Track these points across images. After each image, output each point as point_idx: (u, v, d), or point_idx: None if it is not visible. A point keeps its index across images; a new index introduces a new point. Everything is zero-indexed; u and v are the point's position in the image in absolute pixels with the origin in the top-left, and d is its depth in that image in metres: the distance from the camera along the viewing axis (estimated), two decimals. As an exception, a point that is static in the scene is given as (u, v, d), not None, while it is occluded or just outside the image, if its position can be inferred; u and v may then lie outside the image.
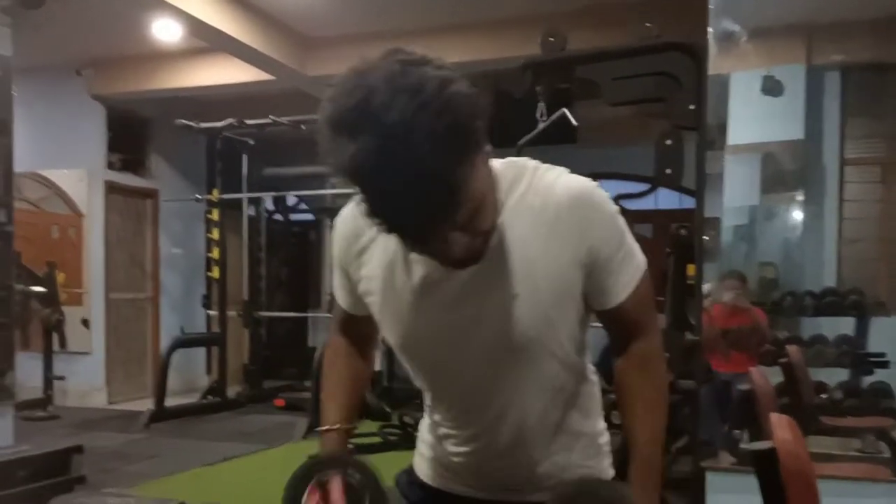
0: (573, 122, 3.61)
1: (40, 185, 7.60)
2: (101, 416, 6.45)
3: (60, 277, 7.36)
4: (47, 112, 7.43)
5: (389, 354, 7.19)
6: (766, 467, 1.45)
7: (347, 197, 1.10)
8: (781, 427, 1.62)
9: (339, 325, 1.31)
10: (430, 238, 0.95)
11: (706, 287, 3.65)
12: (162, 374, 6.28)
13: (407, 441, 4.74)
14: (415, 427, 1.44)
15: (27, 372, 6.55)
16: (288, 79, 6.62)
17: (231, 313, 7.36)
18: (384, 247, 1.12)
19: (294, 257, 9.48)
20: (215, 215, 7.26)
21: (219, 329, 7.18)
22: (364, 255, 1.15)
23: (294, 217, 9.62)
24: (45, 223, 7.64)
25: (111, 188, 7.58)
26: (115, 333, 7.45)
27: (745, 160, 4.53)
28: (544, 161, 1.14)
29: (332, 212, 7.34)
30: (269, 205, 8.94)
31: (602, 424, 1.27)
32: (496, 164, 1.07)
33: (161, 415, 6.04)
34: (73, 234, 7.59)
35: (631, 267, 1.13)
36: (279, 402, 6.83)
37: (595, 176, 1.16)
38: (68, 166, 7.44)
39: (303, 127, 6.92)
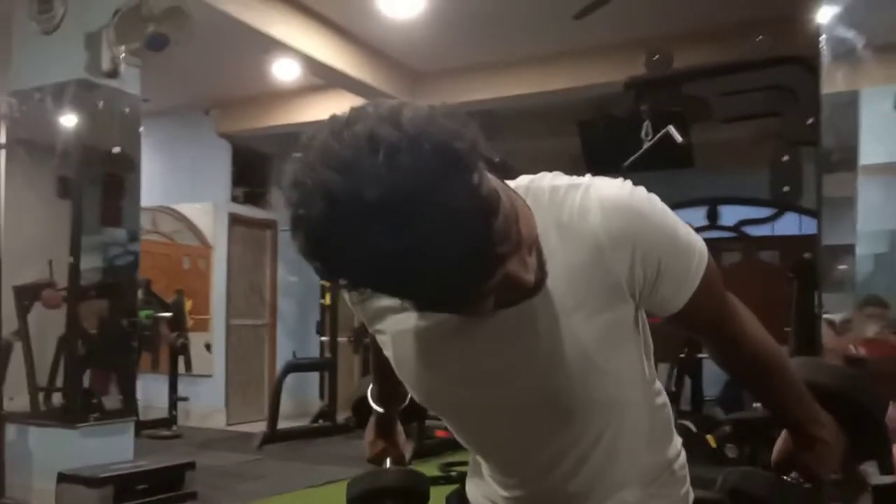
0: (678, 138, 3.47)
1: (174, 218, 8.14)
2: (219, 437, 6.73)
3: (188, 305, 7.83)
4: (179, 150, 8.00)
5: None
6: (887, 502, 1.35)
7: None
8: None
9: None
10: (477, 296, 0.77)
11: (839, 316, 3.37)
12: (275, 398, 6.49)
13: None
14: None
15: (155, 392, 6.97)
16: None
17: (342, 339, 7.54)
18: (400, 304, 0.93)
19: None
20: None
21: (329, 354, 7.35)
22: (379, 303, 0.98)
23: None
24: (177, 254, 8.16)
25: (234, 220, 8.01)
26: (235, 357, 7.80)
27: (882, 182, 4.21)
28: (659, 190, 0.95)
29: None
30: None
31: (676, 448, 1.13)
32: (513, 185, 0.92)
33: (273, 437, 6.23)
34: (203, 265, 8.06)
35: (692, 260, 0.94)
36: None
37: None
38: (197, 200, 7.95)
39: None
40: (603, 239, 0.88)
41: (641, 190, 0.94)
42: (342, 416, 7.55)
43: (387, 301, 0.95)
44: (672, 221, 0.93)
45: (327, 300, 7.47)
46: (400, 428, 1.39)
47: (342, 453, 6.25)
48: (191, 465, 3.98)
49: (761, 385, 1.12)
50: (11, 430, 3.95)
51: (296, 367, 7.14)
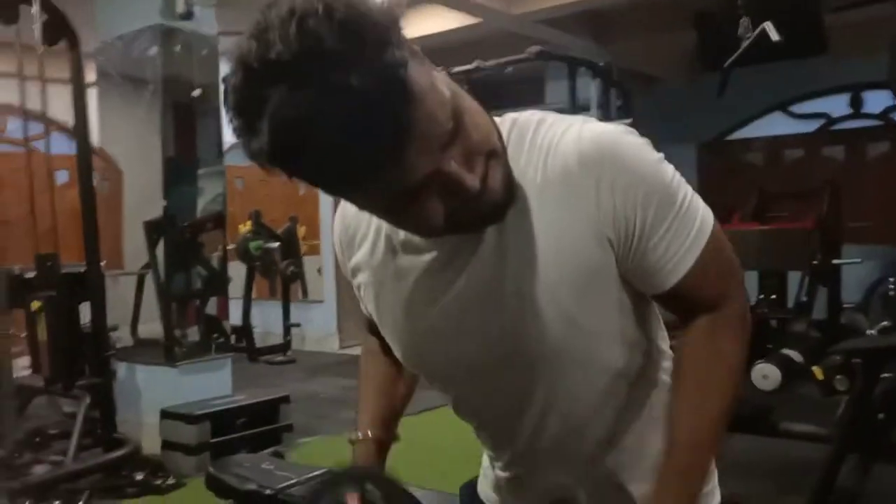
0: (774, 36, 3.08)
1: None
2: (332, 361, 6.98)
3: (301, 231, 8.05)
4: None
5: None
6: None
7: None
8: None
9: (367, 323, 1.12)
10: (381, 173, 0.71)
11: None
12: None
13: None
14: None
15: (273, 319, 7.30)
16: (494, 20, 6.62)
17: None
18: (371, 250, 0.95)
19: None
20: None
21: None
22: (356, 257, 0.98)
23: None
24: (291, 181, 8.30)
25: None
26: (346, 283, 7.98)
27: None
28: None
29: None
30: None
31: None
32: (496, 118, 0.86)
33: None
34: (315, 190, 8.19)
35: (686, 232, 0.83)
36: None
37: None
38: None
39: (508, 69, 6.83)
40: (572, 170, 0.82)
41: (639, 138, 0.85)
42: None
43: (360, 255, 0.95)
44: (668, 175, 0.84)
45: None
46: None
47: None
48: (285, 399, 4.11)
49: (695, 392, 0.88)
50: (122, 368, 4.24)
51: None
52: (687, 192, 0.85)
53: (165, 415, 3.84)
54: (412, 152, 0.69)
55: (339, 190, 0.77)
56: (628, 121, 6.79)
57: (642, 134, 0.86)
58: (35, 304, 3.90)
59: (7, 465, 3.62)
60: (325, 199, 7.97)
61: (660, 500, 0.87)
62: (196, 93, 4.35)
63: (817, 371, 3.93)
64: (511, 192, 0.81)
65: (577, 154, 0.81)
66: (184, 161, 4.37)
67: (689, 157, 8.86)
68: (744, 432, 3.23)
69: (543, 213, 0.83)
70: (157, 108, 4.29)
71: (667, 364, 0.97)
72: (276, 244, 6.95)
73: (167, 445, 3.83)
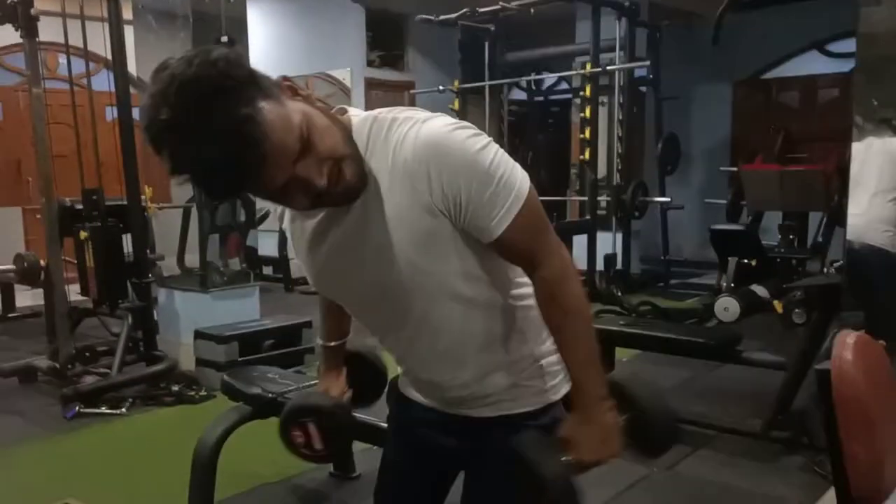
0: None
1: (328, 83, 8.50)
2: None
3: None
4: (314, 19, 8.26)
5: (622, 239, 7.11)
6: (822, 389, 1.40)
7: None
8: (843, 346, 1.48)
9: None
10: (244, 189, 1.03)
11: None
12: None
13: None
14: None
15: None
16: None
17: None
18: (291, 215, 1.25)
19: (548, 141, 9.53)
20: (456, 105, 7.57)
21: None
22: (285, 220, 1.29)
23: (552, 98, 9.64)
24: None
25: (371, 84, 8.25)
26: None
27: None
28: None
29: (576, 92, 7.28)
30: (520, 90, 9.10)
31: (546, 346, 1.27)
32: (355, 117, 1.15)
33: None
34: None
35: (504, 199, 1.09)
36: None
37: None
38: (334, 68, 8.25)
39: (531, 10, 6.89)
40: (410, 162, 1.08)
41: (465, 132, 1.08)
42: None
43: (286, 218, 1.26)
44: (487, 159, 1.08)
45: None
46: (344, 369, 1.54)
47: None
48: (307, 324, 4.47)
49: (562, 337, 1.19)
50: (162, 294, 4.66)
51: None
52: (504, 172, 1.09)
53: (199, 335, 4.24)
54: (267, 172, 0.98)
55: (226, 196, 1.10)
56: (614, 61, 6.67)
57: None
58: (83, 234, 4.31)
59: (62, 376, 4.11)
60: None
61: (581, 380, 1.18)
62: (223, 38, 4.60)
63: (777, 304, 4.16)
64: (363, 179, 1.09)
65: (412, 152, 1.07)
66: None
67: (724, 94, 8.80)
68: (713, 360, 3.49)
69: (392, 194, 1.10)
70: (189, 45, 4.56)
71: (517, 291, 1.24)
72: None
73: (200, 362, 4.24)
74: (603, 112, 7.12)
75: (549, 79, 9.18)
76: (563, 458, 1.15)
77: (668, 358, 4.04)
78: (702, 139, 8.74)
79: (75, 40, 4.52)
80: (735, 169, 7.20)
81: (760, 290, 4.75)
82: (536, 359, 1.27)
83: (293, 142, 0.99)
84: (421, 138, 1.08)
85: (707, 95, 8.71)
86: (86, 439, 3.53)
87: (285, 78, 1.05)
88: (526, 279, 1.22)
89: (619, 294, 6.49)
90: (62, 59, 6.63)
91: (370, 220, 1.12)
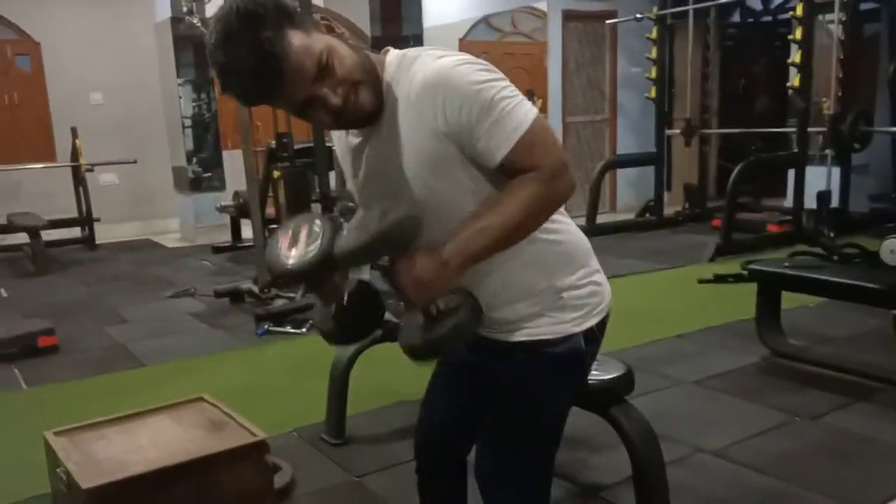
0: None
1: (534, 17, 8.45)
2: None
3: (538, 104, 8.32)
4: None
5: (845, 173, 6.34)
6: None
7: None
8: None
9: None
10: (266, 97, 1.20)
11: None
12: (593, 193, 6.79)
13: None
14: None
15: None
16: None
17: (674, 131, 7.34)
18: (340, 135, 1.41)
19: (772, 67, 8.67)
20: (654, 34, 7.18)
21: (655, 149, 7.28)
22: (335, 140, 1.46)
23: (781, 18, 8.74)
24: (538, 53, 8.49)
25: (568, 16, 8.07)
26: (573, 154, 8.22)
27: None
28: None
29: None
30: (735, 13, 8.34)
31: (570, 280, 1.33)
32: (391, 53, 1.29)
33: (593, 231, 6.60)
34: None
35: (504, 129, 1.17)
36: (716, 221, 6.75)
37: None
38: (532, 2, 8.16)
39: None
40: (418, 90, 1.20)
41: (472, 66, 1.19)
42: (672, 209, 7.58)
43: (336, 138, 1.43)
44: (490, 91, 1.16)
45: (651, 93, 7.28)
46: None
47: (655, 247, 6.41)
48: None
49: (501, 196, 1.22)
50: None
51: (615, 163, 7.25)
52: (507, 104, 1.17)
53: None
54: (287, 85, 1.15)
55: (253, 103, 1.25)
56: None
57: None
58: (276, 173, 4.83)
59: (258, 298, 4.70)
60: (553, 74, 8.12)
61: (460, 233, 1.21)
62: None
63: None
64: (379, 104, 1.23)
65: (424, 81, 1.20)
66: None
67: None
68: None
69: (406, 118, 1.23)
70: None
71: (552, 227, 1.30)
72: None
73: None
74: (825, 34, 6.36)
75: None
76: (383, 264, 1.24)
77: (858, 305, 3.64)
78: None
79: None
80: None
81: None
82: (558, 291, 1.33)
83: (311, 64, 1.16)
84: (431, 71, 1.19)
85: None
86: (270, 353, 4.03)
87: (324, 17, 1.26)
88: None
89: (832, 235, 5.88)
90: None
91: (391, 140, 1.25)
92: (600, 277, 1.41)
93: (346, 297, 1.36)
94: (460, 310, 1.24)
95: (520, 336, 1.34)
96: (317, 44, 1.17)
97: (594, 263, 1.40)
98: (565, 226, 1.33)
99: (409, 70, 1.23)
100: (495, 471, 1.41)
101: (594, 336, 1.37)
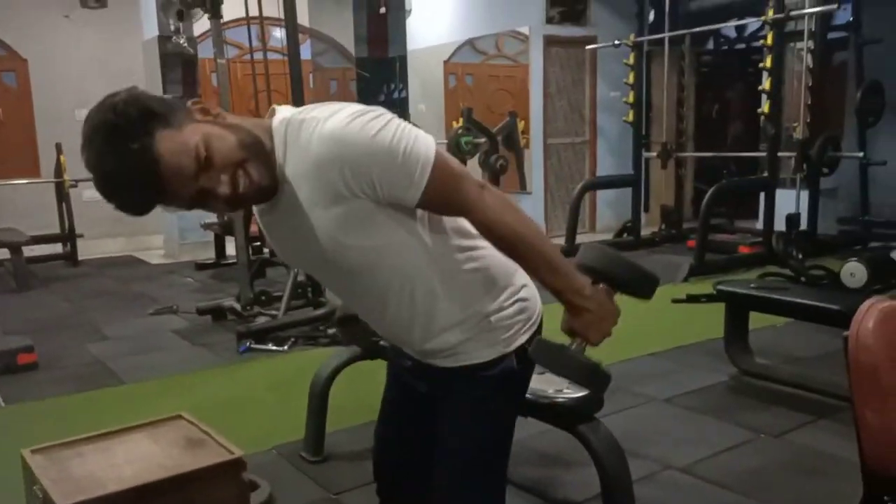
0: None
1: (518, 40, 8.57)
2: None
3: (521, 125, 8.44)
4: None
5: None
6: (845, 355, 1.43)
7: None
8: (867, 314, 1.49)
9: None
10: (150, 206, 1.19)
11: None
12: (573, 213, 6.91)
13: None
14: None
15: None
16: None
17: (650, 154, 7.49)
18: (258, 209, 1.39)
19: (744, 93, 8.89)
20: (632, 60, 7.35)
21: (633, 171, 7.43)
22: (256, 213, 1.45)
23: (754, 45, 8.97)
24: (521, 76, 8.60)
25: (550, 41, 8.23)
26: (554, 175, 8.36)
27: None
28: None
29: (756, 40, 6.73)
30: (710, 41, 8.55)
31: (495, 303, 1.37)
32: (276, 119, 1.26)
33: (572, 250, 6.73)
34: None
35: (411, 170, 1.18)
36: (691, 242, 6.89)
37: None
38: (513, 26, 8.33)
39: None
40: (317, 163, 1.18)
41: (362, 119, 1.17)
42: (649, 230, 7.72)
43: (256, 212, 1.39)
44: (387, 139, 1.16)
45: (629, 116, 7.44)
46: None
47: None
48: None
49: (518, 259, 1.29)
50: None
51: (594, 185, 7.37)
52: (407, 145, 1.17)
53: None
54: (170, 187, 1.14)
55: (140, 214, 1.21)
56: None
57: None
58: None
59: (241, 316, 4.75)
60: (534, 96, 8.27)
61: (554, 284, 1.25)
62: (382, 10, 4.91)
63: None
64: (273, 177, 1.21)
65: (319, 153, 1.17)
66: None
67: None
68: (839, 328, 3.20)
69: (305, 190, 1.21)
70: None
71: (458, 256, 1.33)
72: (483, 139, 7.45)
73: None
74: (796, 61, 6.56)
75: (752, 25, 8.51)
76: (575, 346, 1.29)
77: (821, 327, 3.76)
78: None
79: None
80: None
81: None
82: (486, 315, 1.36)
83: (189, 161, 1.13)
84: (324, 136, 1.17)
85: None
86: (252, 370, 4.08)
87: (195, 102, 1.22)
88: (465, 243, 1.33)
89: (800, 256, 6.03)
90: (276, 32, 7.45)
91: (298, 211, 1.24)
92: (527, 292, 1.42)
93: None
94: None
95: (455, 362, 1.39)
96: (191, 138, 1.14)
97: (519, 279, 1.41)
98: (481, 251, 1.34)
99: (299, 140, 1.20)
100: (448, 490, 1.44)
101: (526, 352, 1.38)
